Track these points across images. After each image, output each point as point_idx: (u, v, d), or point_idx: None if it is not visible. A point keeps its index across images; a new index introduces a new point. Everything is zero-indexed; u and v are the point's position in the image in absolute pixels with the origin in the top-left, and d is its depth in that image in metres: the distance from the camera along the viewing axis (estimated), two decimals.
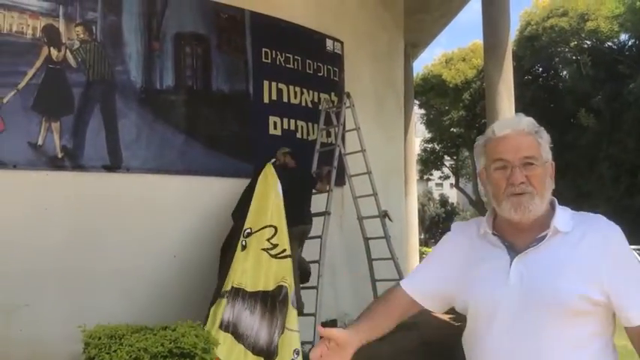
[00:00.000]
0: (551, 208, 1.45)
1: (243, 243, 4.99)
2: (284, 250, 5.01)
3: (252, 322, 4.57)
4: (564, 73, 28.28)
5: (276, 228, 5.13)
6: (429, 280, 1.60)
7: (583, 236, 1.39)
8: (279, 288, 4.77)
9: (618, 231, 1.42)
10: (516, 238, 1.45)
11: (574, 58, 26.27)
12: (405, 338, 7.00)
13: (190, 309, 5.00)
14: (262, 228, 5.08)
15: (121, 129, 5.53)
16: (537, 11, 26.56)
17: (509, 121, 1.49)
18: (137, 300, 5.22)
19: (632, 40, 25.07)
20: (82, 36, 5.43)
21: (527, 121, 1.46)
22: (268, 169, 5.52)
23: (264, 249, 4.99)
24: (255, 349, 4.44)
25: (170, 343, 3.31)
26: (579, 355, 1.37)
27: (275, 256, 4.97)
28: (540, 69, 28.77)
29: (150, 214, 5.61)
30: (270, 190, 5.33)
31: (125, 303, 5.07)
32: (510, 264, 1.42)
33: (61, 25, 5.32)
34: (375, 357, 6.08)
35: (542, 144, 1.45)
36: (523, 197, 1.39)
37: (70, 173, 5.26)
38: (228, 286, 4.69)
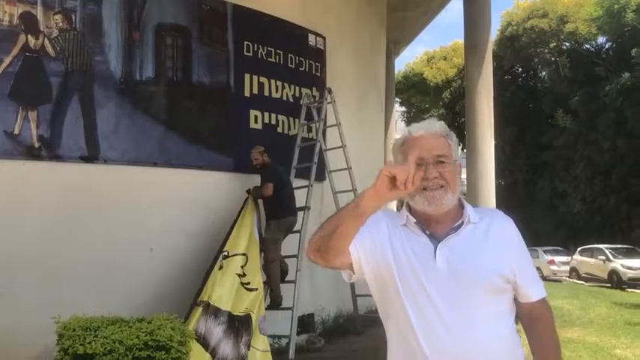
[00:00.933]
0: (459, 203, 1.64)
1: (221, 264, 5.19)
2: (249, 283, 5.21)
3: (222, 336, 4.77)
4: (543, 73, 28.65)
5: (247, 258, 5.36)
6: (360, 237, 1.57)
7: (489, 226, 1.61)
8: (247, 316, 4.99)
9: (513, 222, 1.67)
10: (434, 228, 1.60)
11: (553, 59, 26.62)
12: (382, 333, 7.08)
13: (168, 302, 4.99)
14: (236, 254, 5.31)
15: (99, 119, 5.47)
16: (518, 12, 26.84)
17: (424, 124, 1.65)
18: (114, 292, 5.17)
19: (610, 44, 25.48)
20: (60, 24, 5.35)
21: (440, 125, 1.64)
22: (250, 199, 5.84)
23: (237, 274, 5.20)
24: None
25: (146, 335, 3.29)
26: (501, 326, 1.57)
27: (243, 285, 5.16)
28: (520, 69, 29.12)
29: (127, 206, 5.56)
30: (249, 220, 5.63)
31: (102, 295, 5.02)
32: (434, 250, 1.56)
33: (39, 13, 5.24)
34: (353, 351, 6.13)
35: (452, 145, 1.62)
36: (437, 192, 1.55)
37: (46, 163, 5.19)
38: (204, 297, 4.87)
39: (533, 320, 1.63)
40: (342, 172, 7.10)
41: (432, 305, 1.53)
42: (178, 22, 6.19)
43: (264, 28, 6.94)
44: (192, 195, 5.99)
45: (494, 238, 1.59)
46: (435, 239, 1.58)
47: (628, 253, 18.13)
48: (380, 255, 1.59)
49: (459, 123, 26.20)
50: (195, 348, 4.24)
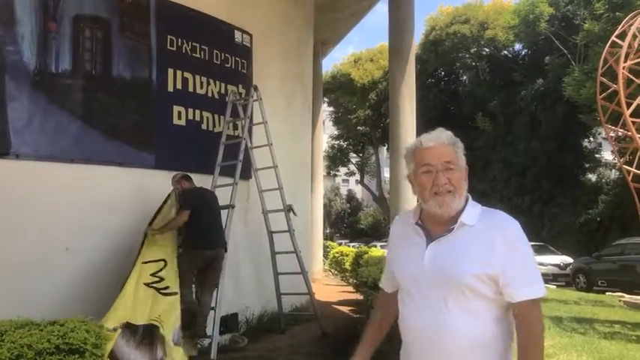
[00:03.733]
0: (465, 205, 1.78)
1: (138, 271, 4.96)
2: (167, 287, 4.99)
3: (135, 355, 4.41)
4: (464, 77, 29.76)
5: (166, 262, 5.15)
6: (392, 272, 1.93)
7: (486, 228, 1.72)
8: (153, 326, 4.68)
9: (516, 224, 1.75)
10: (435, 228, 1.78)
11: (474, 64, 27.70)
12: (306, 331, 7.13)
13: (83, 303, 4.79)
14: (150, 262, 5.07)
15: (10, 113, 5.16)
16: (442, 17, 27.74)
17: (434, 135, 1.79)
18: (28, 295, 4.91)
19: (525, 51, 26.85)
20: None
21: (447, 135, 1.79)
22: (172, 196, 5.69)
23: (146, 284, 4.92)
24: None
25: (58, 338, 3.12)
26: (476, 322, 1.67)
27: (159, 291, 4.93)
28: (442, 73, 30.09)
29: (42, 204, 5.29)
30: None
31: (15, 298, 4.75)
32: (426, 249, 1.75)
33: None
34: (277, 349, 6.14)
35: (459, 153, 1.79)
36: (446, 197, 1.72)
37: None
38: (117, 322, 4.48)
39: (516, 318, 1.69)
40: (268, 170, 7.09)
41: (415, 298, 1.74)
42: (98, 13, 5.94)
43: (189, 22, 6.80)
44: (112, 193, 5.78)
45: (484, 239, 1.69)
46: (431, 239, 1.76)
47: (540, 250, 19.15)
48: (394, 261, 1.90)
49: (385, 124, 26.79)
50: None
